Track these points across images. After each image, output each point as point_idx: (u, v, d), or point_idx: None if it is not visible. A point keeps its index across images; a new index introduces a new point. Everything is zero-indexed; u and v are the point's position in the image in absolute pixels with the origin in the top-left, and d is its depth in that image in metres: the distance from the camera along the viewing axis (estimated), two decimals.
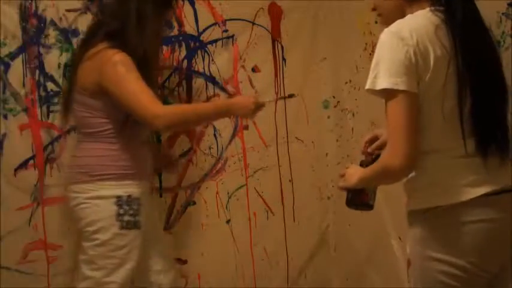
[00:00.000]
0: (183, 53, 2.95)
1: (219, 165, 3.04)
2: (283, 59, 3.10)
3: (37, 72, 2.77)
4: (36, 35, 2.76)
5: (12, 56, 2.74)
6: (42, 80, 2.78)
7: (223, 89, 3.02)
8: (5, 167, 2.74)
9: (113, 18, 2.42)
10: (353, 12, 3.01)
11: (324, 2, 3.09)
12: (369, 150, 2.07)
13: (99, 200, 2.37)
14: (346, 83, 3.10)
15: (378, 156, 1.99)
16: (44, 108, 2.79)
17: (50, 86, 2.79)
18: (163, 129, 2.41)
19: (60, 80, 2.80)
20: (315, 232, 3.25)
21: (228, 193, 3.04)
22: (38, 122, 2.78)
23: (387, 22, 1.76)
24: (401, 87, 1.58)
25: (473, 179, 1.65)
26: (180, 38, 2.95)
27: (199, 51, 2.96)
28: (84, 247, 2.43)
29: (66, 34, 2.80)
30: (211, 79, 2.99)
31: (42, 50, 2.77)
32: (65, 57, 2.80)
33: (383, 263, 3.00)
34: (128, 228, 2.37)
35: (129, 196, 2.37)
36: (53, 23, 2.78)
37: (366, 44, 2.96)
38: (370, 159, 2.02)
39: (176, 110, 2.43)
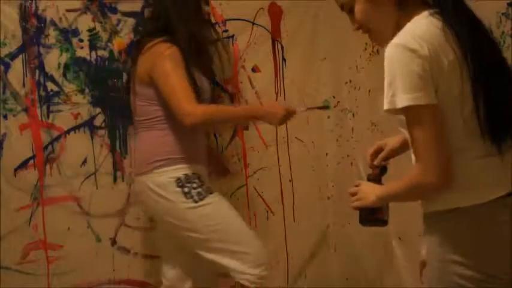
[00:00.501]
0: None
1: None
2: (283, 59, 3.10)
3: (37, 72, 2.78)
4: (36, 35, 2.76)
5: (12, 56, 2.74)
6: (42, 80, 2.78)
7: (223, 89, 3.02)
8: (5, 167, 2.75)
9: (157, 11, 2.56)
10: None
11: (324, 2, 3.09)
12: (375, 163, 1.99)
13: (162, 189, 2.46)
14: (346, 83, 3.10)
15: (385, 167, 1.96)
16: (44, 108, 2.80)
17: (50, 86, 2.80)
18: (192, 127, 2.45)
19: (60, 80, 2.81)
20: (315, 232, 3.25)
21: (228, 193, 3.04)
22: (38, 122, 2.78)
23: (380, 38, 1.69)
24: (423, 101, 1.52)
25: (494, 179, 1.62)
26: None
27: None
28: (182, 238, 2.51)
29: (66, 34, 2.81)
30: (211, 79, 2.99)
31: (42, 50, 2.78)
32: (65, 57, 2.81)
33: (383, 263, 2.99)
34: (202, 198, 2.46)
35: (185, 175, 2.46)
36: (53, 23, 2.78)
37: (366, 44, 2.95)
38: (377, 172, 1.96)
39: (207, 110, 2.49)
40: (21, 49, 2.75)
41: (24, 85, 2.76)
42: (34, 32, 2.76)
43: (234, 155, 3.05)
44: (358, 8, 1.69)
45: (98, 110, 2.87)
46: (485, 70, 1.59)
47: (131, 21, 2.88)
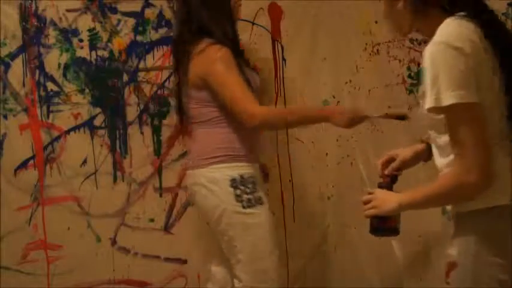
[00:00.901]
0: None
1: None
2: (283, 59, 3.10)
3: (37, 72, 2.78)
4: (36, 35, 2.76)
5: (12, 56, 2.75)
6: (42, 80, 2.79)
7: None
8: (5, 167, 2.75)
9: (188, 13, 2.53)
10: (353, 12, 3.01)
11: (324, 2, 3.08)
12: (386, 172, 1.95)
13: (215, 186, 2.45)
14: (346, 83, 3.10)
15: (395, 177, 1.92)
16: (44, 108, 2.80)
17: (50, 86, 2.80)
18: (257, 128, 2.48)
19: (60, 80, 2.81)
20: (315, 232, 3.25)
21: None
22: (38, 122, 2.78)
23: (400, 31, 1.76)
24: (469, 99, 1.51)
25: None
26: None
27: None
28: (219, 235, 2.51)
29: (66, 34, 2.81)
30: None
31: (42, 50, 2.78)
32: (65, 57, 2.81)
33: (383, 263, 2.99)
34: (250, 206, 2.44)
35: (241, 176, 2.45)
36: (53, 23, 2.79)
37: (366, 44, 2.95)
38: (388, 180, 1.92)
39: (273, 112, 2.51)
40: (21, 49, 2.75)
41: (24, 85, 2.77)
42: (34, 32, 2.76)
43: None
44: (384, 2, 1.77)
45: (98, 110, 2.87)
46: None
47: (131, 21, 2.88)
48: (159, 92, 2.92)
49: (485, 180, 1.53)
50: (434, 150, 1.73)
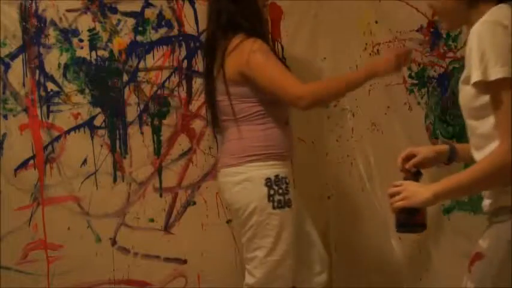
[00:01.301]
0: (183, 53, 2.95)
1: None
2: (283, 59, 3.10)
3: (37, 72, 2.78)
4: (36, 35, 2.76)
5: (12, 56, 2.75)
6: (42, 80, 2.79)
7: None
8: (5, 167, 2.75)
9: (217, 10, 2.56)
10: (353, 12, 3.01)
11: (324, 2, 3.08)
12: (407, 166, 1.88)
13: (249, 183, 2.46)
14: None
15: (418, 172, 1.86)
16: (44, 108, 2.80)
17: (50, 86, 2.80)
18: (308, 108, 2.48)
19: (60, 80, 2.81)
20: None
21: None
22: (38, 122, 2.79)
23: (451, 25, 1.78)
24: None
25: None
26: (180, 38, 2.95)
27: (199, 51, 2.96)
28: (243, 230, 2.53)
29: (66, 34, 2.81)
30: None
31: (42, 50, 2.78)
32: (65, 57, 2.81)
33: (383, 263, 2.99)
34: (280, 207, 2.46)
35: (276, 176, 2.46)
36: (53, 23, 2.79)
37: (366, 44, 2.95)
38: (409, 175, 1.85)
39: (318, 87, 2.49)
40: (21, 49, 2.75)
41: (24, 85, 2.77)
42: (34, 32, 2.76)
43: None
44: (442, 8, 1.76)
45: (98, 110, 2.87)
46: None
47: (131, 21, 2.88)
48: (159, 92, 2.92)
49: None
50: (474, 142, 1.68)
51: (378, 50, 2.87)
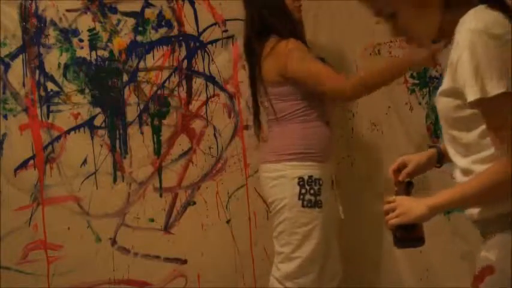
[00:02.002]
0: (183, 53, 2.95)
1: (219, 165, 3.03)
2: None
3: (37, 72, 2.78)
4: (36, 35, 2.76)
5: (12, 56, 2.75)
6: (42, 80, 2.79)
7: (223, 89, 3.02)
8: (5, 167, 2.75)
9: (251, 13, 2.61)
10: (353, 12, 3.00)
11: (324, 2, 3.08)
12: (400, 178, 1.82)
13: (284, 179, 2.53)
14: None
15: (410, 183, 1.80)
16: (44, 108, 2.80)
17: (50, 86, 2.80)
18: (351, 100, 2.57)
19: (60, 80, 2.81)
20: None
21: (228, 193, 3.04)
22: (38, 122, 2.78)
23: (421, 42, 1.65)
24: None
25: None
26: (180, 38, 2.94)
27: (199, 51, 2.96)
28: (274, 224, 2.60)
29: (66, 34, 2.81)
30: (211, 79, 2.99)
31: (42, 50, 2.78)
32: (65, 57, 2.81)
33: (383, 263, 2.99)
34: (309, 206, 2.52)
35: (310, 177, 2.52)
36: (53, 23, 2.79)
37: (366, 44, 2.95)
38: (403, 187, 1.79)
39: (360, 79, 2.51)
40: (21, 49, 2.75)
41: (24, 85, 2.77)
42: (34, 32, 2.76)
43: (234, 155, 3.05)
44: (403, 14, 1.56)
45: (98, 110, 2.87)
46: None
47: (131, 21, 2.88)
48: (159, 92, 2.92)
49: None
50: (456, 151, 1.61)
51: (378, 50, 2.87)
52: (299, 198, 2.52)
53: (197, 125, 2.98)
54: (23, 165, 2.78)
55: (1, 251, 2.75)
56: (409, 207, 1.60)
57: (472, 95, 1.42)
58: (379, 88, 2.80)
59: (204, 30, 2.98)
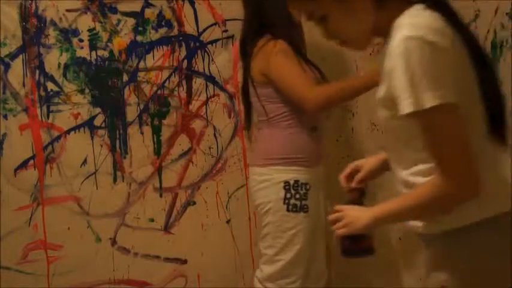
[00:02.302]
0: (183, 53, 2.95)
1: (219, 165, 3.03)
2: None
3: (37, 72, 2.78)
4: (36, 35, 2.76)
5: (12, 56, 2.74)
6: (42, 80, 2.79)
7: (223, 89, 3.02)
8: (5, 167, 2.75)
9: (250, 12, 2.59)
10: None
11: None
12: (353, 184, 1.77)
13: (269, 183, 2.52)
14: None
15: (362, 190, 1.76)
16: (44, 108, 2.80)
17: (50, 86, 2.80)
18: (314, 111, 2.48)
19: (60, 80, 2.81)
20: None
21: (228, 193, 3.04)
22: (38, 122, 2.78)
23: (357, 44, 1.55)
24: (451, 99, 1.33)
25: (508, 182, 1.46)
26: (180, 38, 2.94)
27: (199, 51, 2.96)
28: (261, 226, 2.60)
29: (66, 34, 2.81)
30: (211, 79, 2.99)
31: (42, 50, 2.78)
32: (65, 57, 2.81)
33: (383, 263, 2.99)
34: (294, 211, 2.50)
35: (296, 181, 2.50)
36: (53, 23, 2.78)
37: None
38: (356, 194, 1.76)
39: (327, 91, 2.47)
40: (21, 49, 2.75)
41: (24, 85, 2.77)
42: (34, 32, 2.76)
43: (234, 155, 3.05)
44: (333, 17, 1.49)
45: (98, 110, 2.87)
46: (481, 67, 1.44)
47: (131, 21, 2.88)
48: (159, 92, 2.92)
49: (474, 189, 1.37)
50: (396, 161, 1.55)
51: (378, 50, 2.86)
52: (284, 203, 2.50)
53: (197, 125, 2.99)
54: (23, 165, 2.78)
55: (1, 251, 2.75)
56: (354, 217, 1.57)
57: (406, 108, 1.35)
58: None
59: (204, 30, 2.98)
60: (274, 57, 2.46)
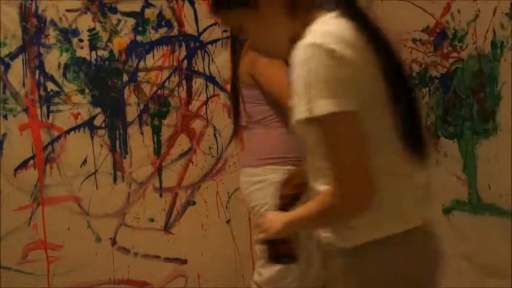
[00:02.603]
0: (183, 53, 2.95)
1: (219, 165, 3.04)
2: None
3: (37, 72, 2.78)
4: (36, 35, 2.76)
5: (12, 56, 2.74)
6: (42, 80, 2.78)
7: (223, 89, 3.02)
8: (5, 167, 2.75)
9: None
10: None
11: None
12: (287, 191, 1.77)
13: (265, 184, 2.48)
14: None
15: (296, 195, 1.75)
16: (44, 108, 2.80)
17: (50, 86, 2.80)
18: None
19: (60, 80, 2.81)
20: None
21: (228, 193, 3.04)
22: (38, 122, 2.78)
23: (280, 53, 1.49)
24: (347, 107, 1.28)
25: (417, 201, 1.44)
26: (180, 38, 2.95)
27: (199, 51, 2.96)
28: (257, 228, 2.53)
29: (66, 34, 2.81)
30: (211, 79, 2.99)
31: (42, 50, 2.77)
32: (65, 57, 2.81)
33: None
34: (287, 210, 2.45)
35: None
36: (53, 23, 2.78)
37: None
38: (287, 200, 1.75)
39: None
40: (21, 49, 2.75)
41: (24, 85, 2.76)
42: (34, 32, 2.76)
43: (234, 155, 3.05)
44: (249, 28, 1.44)
45: (98, 110, 2.87)
46: (394, 80, 1.40)
47: (131, 21, 2.88)
48: (159, 92, 2.92)
49: (355, 202, 1.33)
50: (309, 172, 1.52)
51: None
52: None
53: (197, 125, 2.99)
54: (23, 165, 2.78)
55: (1, 251, 2.75)
56: (272, 222, 1.55)
57: (296, 114, 1.32)
58: None
59: (204, 30, 2.98)
60: (259, 61, 2.41)
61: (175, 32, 2.94)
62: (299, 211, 1.51)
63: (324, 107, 1.27)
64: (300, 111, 1.31)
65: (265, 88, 2.43)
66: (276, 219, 1.54)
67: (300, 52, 1.31)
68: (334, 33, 1.32)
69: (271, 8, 1.40)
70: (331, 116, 1.27)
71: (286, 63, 2.40)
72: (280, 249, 1.62)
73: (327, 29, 1.34)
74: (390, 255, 1.40)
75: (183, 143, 2.98)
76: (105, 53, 2.86)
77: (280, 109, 2.48)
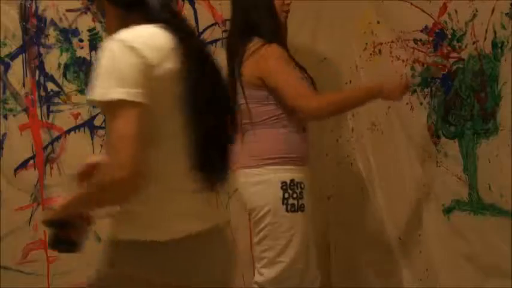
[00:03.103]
0: None
1: None
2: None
3: (37, 72, 2.78)
4: (36, 35, 2.76)
5: (12, 56, 2.74)
6: (42, 80, 2.79)
7: None
8: (5, 167, 2.75)
9: (237, 13, 2.58)
10: (354, 12, 3.01)
11: (325, 2, 3.09)
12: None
13: (266, 184, 2.50)
14: (346, 83, 3.10)
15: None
16: (44, 108, 2.80)
17: (50, 86, 2.80)
18: (317, 119, 2.57)
19: (60, 80, 2.81)
20: (315, 232, 3.24)
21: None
22: (38, 122, 2.78)
23: (109, 30, 1.64)
24: (137, 98, 1.41)
25: (193, 213, 1.57)
26: None
27: None
28: (256, 230, 2.57)
29: (66, 34, 2.81)
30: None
31: (42, 50, 2.78)
32: (65, 57, 2.81)
33: (382, 263, 3.00)
34: (293, 211, 2.49)
35: (291, 180, 2.49)
36: (53, 23, 2.79)
37: (366, 44, 2.95)
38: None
39: (329, 100, 2.51)
40: (21, 49, 2.75)
41: (24, 85, 2.77)
42: (34, 32, 2.76)
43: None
44: (106, 16, 1.68)
45: (98, 110, 2.87)
46: (205, 97, 1.54)
47: None
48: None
49: (132, 178, 1.39)
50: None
51: (379, 50, 2.87)
52: (283, 203, 2.49)
53: None
54: (23, 165, 2.78)
55: (1, 251, 2.75)
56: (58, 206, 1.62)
57: (90, 95, 1.46)
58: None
59: (204, 30, 2.98)
60: (269, 61, 2.46)
61: None
62: (75, 193, 1.59)
63: (115, 93, 1.41)
64: (93, 93, 1.45)
65: (278, 91, 2.46)
66: (60, 204, 1.60)
67: (107, 44, 1.48)
68: (139, 36, 1.49)
69: (113, 11, 1.62)
70: (116, 103, 1.41)
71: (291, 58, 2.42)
72: (60, 234, 1.62)
73: (135, 31, 1.51)
74: (141, 257, 1.53)
75: None
76: None
77: (285, 109, 2.50)
